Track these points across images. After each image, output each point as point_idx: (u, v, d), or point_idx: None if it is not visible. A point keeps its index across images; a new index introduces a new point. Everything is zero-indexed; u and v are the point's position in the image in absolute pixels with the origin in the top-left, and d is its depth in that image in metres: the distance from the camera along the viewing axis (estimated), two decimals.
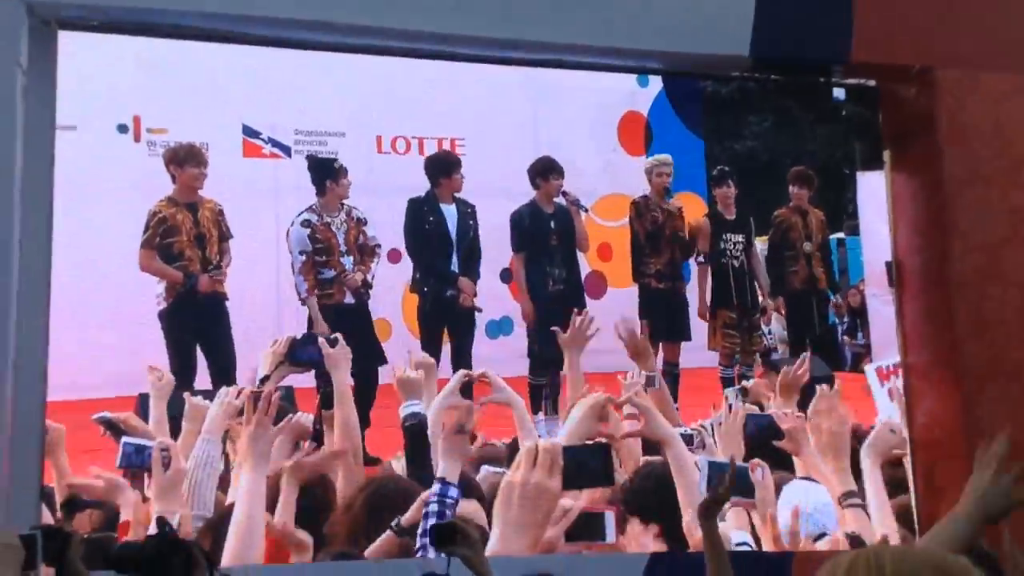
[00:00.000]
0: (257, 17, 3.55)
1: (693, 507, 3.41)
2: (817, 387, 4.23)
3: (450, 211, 7.24)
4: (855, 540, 3.53)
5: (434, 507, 3.21)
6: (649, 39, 3.86)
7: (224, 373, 6.53)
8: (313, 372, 5.15)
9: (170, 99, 8.70)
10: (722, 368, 8.16)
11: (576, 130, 9.75)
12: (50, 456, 3.83)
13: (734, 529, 3.64)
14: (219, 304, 6.82)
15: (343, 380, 4.16)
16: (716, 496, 2.69)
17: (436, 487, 3.24)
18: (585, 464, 3.08)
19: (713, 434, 4.06)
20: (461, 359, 6.97)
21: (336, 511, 3.55)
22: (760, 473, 3.58)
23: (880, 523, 3.80)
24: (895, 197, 4.27)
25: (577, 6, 3.73)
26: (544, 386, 7.20)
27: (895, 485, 4.10)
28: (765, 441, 4.08)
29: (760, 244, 8.64)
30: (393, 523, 3.36)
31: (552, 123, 9.67)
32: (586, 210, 7.83)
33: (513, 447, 4.23)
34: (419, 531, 3.23)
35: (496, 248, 7.63)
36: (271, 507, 3.49)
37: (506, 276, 8.23)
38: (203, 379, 6.54)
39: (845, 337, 11.08)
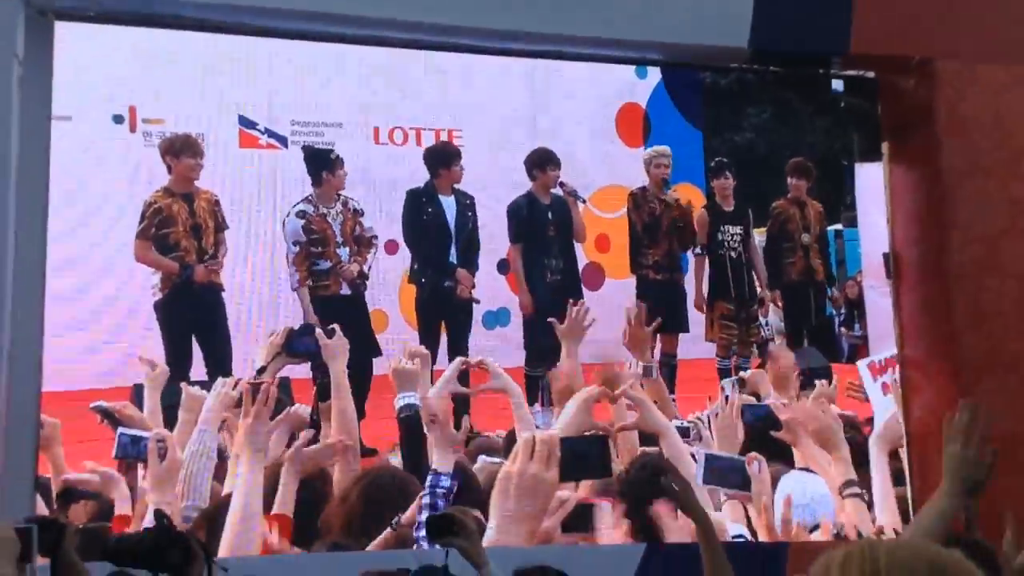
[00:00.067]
0: (255, 7, 3.54)
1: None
2: (817, 382, 4.24)
3: (449, 202, 7.23)
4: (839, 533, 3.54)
5: (427, 499, 3.21)
6: (649, 31, 3.85)
7: (220, 364, 6.51)
8: (309, 364, 5.16)
9: (166, 89, 8.67)
10: (719, 359, 8.15)
11: (574, 121, 9.73)
12: (46, 450, 3.82)
13: (730, 522, 3.64)
14: (215, 295, 6.81)
15: (340, 371, 4.16)
16: (675, 492, 2.66)
17: (429, 478, 3.24)
18: (583, 455, 3.08)
19: (710, 426, 4.07)
20: (458, 350, 6.96)
21: (332, 502, 3.55)
22: (757, 466, 3.58)
23: (884, 513, 3.81)
24: (893, 189, 4.27)
25: None
26: (540, 377, 7.20)
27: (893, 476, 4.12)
28: (763, 432, 4.09)
29: (758, 236, 8.63)
30: (393, 521, 3.36)
31: (550, 114, 9.65)
32: (584, 201, 7.82)
33: (511, 439, 4.23)
34: (409, 515, 3.24)
35: (493, 239, 7.62)
36: (269, 498, 3.49)
37: (503, 267, 8.21)
38: (198, 370, 6.53)
39: (842, 329, 11.08)
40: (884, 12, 4.03)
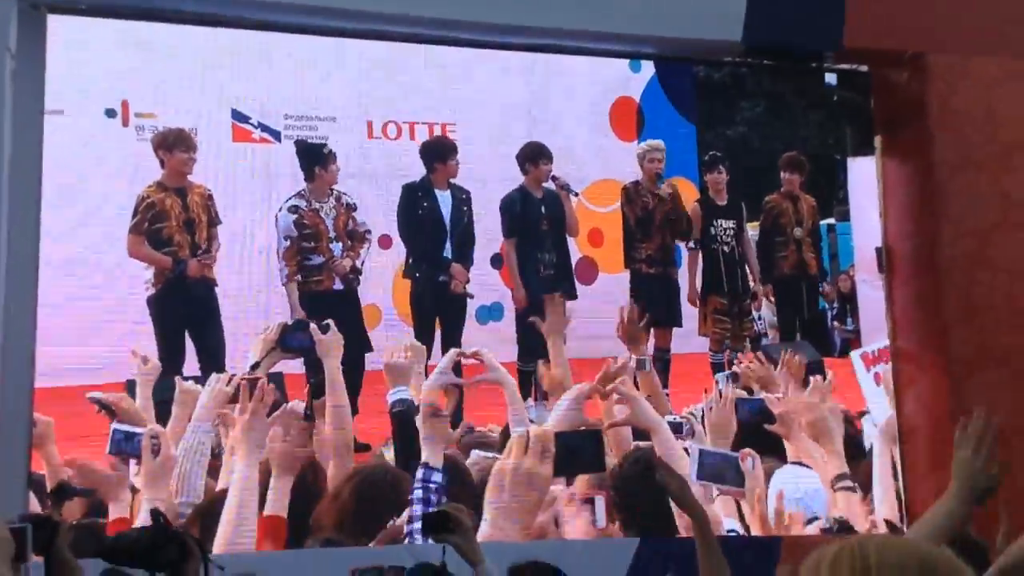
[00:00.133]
0: (249, 1, 3.54)
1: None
2: (811, 378, 4.26)
3: (444, 197, 7.23)
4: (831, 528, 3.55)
5: (418, 492, 3.21)
6: (643, 24, 3.86)
7: (213, 359, 6.50)
8: (302, 359, 5.15)
9: (159, 83, 8.61)
10: (712, 354, 8.16)
11: (568, 115, 9.70)
12: (40, 448, 3.82)
13: (723, 516, 3.65)
14: (208, 290, 6.79)
15: (334, 367, 4.16)
16: (670, 488, 2.65)
17: (420, 472, 3.24)
18: (577, 450, 3.09)
19: (703, 420, 4.07)
20: (451, 345, 6.94)
21: (324, 500, 3.55)
22: (750, 463, 3.59)
23: (884, 506, 3.83)
24: (886, 183, 4.28)
25: None
26: (533, 372, 7.20)
27: None
28: (756, 426, 4.10)
29: (751, 230, 8.63)
30: (388, 523, 3.36)
31: (544, 109, 9.62)
32: (576, 194, 7.82)
33: (507, 433, 4.24)
34: (407, 516, 3.23)
35: (486, 234, 7.61)
36: (261, 495, 3.48)
37: (497, 262, 8.21)
38: (191, 366, 6.51)
39: (835, 323, 11.09)
40: (876, 6, 4.03)
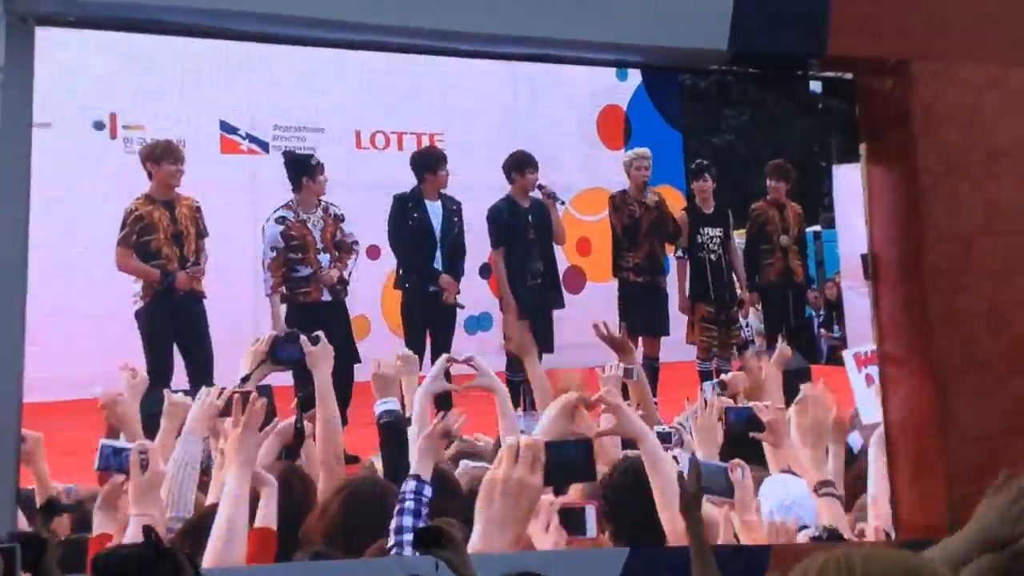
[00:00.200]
0: (236, 12, 3.54)
1: (668, 501, 3.44)
2: (802, 386, 4.27)
3: (435, 207, 7.24)
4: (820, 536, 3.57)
5: (410, 504, 3.21)
6: (629, 33, 3.87)
7: (202, 372, 6.48)
8: (291, 371, 5.14)
9: (147, 95, 8.60)
10: (700, 362, 8.18)
11: (555, 125, 9.72)
12: (29, 464, 3.81)
13: (715, 506, 3.66)
14: (196, 302, 6.78)
15: (325, 378, 4.15)
16: (687, 493, 2.68)
17: (412, 484, 3.24)
18: (567, 460, 3.10)
19: (690, 428, 4.08)
20: (441, 354, 6.96)
21: (313, 513, 3.54)
22: (740, 473, 3.60)
23: (877, 510, 3.85)
24: (871, 190, 4.30)
25: (558, 1, 3.74)
26: (522, 382, 7.20)
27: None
28: (744, 433, 4.11)
29: (738, 238, 8.66)
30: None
31: (531, 118, 9.64)
32: (563, 203, 7.84)
33: (499, 444, 4.24)
34: (393, 527, 3.23)
35: (475, 244, 7.62)
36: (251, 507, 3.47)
37: (485, 271, 8.21)
38: (180, 378, 6.49)
39: (822, 330, 11.12)
40: (861, 14, 4.06)
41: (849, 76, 4.39)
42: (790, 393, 4.63)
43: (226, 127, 9.04)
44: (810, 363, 7.57)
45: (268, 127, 9.15)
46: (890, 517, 4.03)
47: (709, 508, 3.58)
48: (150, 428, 4.25)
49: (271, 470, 3.57)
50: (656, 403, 5.95)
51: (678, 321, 8.20)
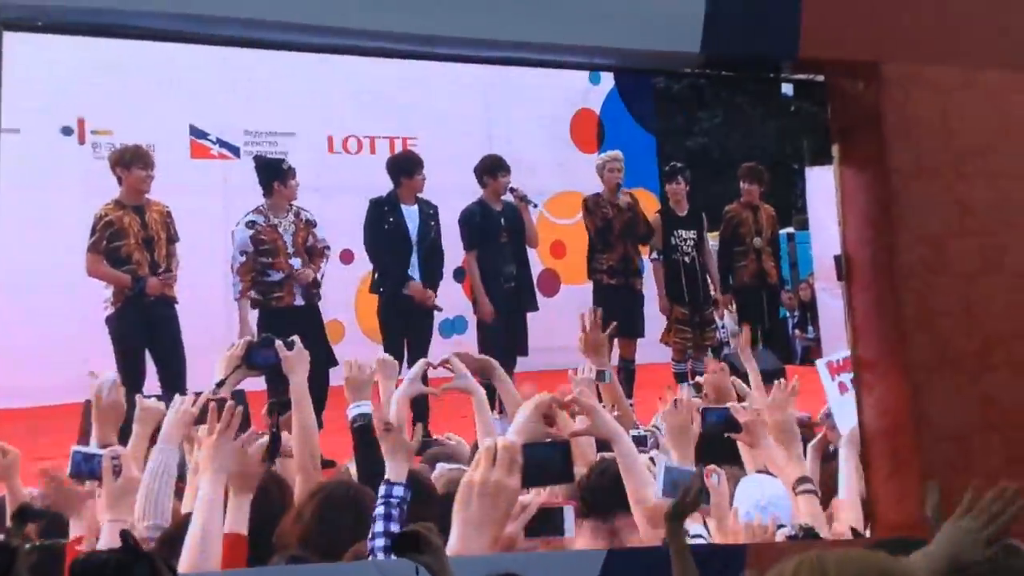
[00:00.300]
0: (205, 17, 3.51)
1: (642, 503, 3.44)
2: (775, 382, 4.29)
3: (411, 212, 7.24)
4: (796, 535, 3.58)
5: (381, 509, 3.19)
6: (602, 36, 3.88)
7: (174, 378, 6.44)
8: (264, 377, 5.10)
9: (115, 100, 8.55)
10: (675, 363, 8.22)
11: (529, 129, 9.74)
12: (4, 479, 3.77)
13: (689, 520, 3.66)
14: (168, 308, 6.74)
15: (301, 383, 4.12)
16: (683, 506, 2.69)
17: (382, 488, 3.22)
18: (545, 462, 3.09)
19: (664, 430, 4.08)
20: (419, 359, 6.95)
21: (287, 518, 3.51)
22: (716, 479, 3.60)
23: (851, 512, 3.87)
24: (844, 191, 4.32)
25: (530, 4, 3.74)
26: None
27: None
28: (718, 434, 4.12)
29: (711, 240, 8.71)
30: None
31: (504, 121, 9.66)
32: (535, 205, 7.85)
33: (476, 446, 4.23)
34: (369, 534, 3.21)
35: (448, 247, 7.62)
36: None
37: (459, 275, 8.21)
38: (151, 384, 6.44)
39: (796, 330, 11.20)
40: (832, 16, 4.08)
41: (821, 78, 4.41)
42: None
43: (196, 132, 9.00)
44: (785, 363, 7.62)
45: (239, 132, 9.12)
46: (861, 516, 4.05)
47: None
48: (123, 434, 4.20)
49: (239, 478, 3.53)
50: (632, 405, 5.96)
51: (653, 323, 8.23)
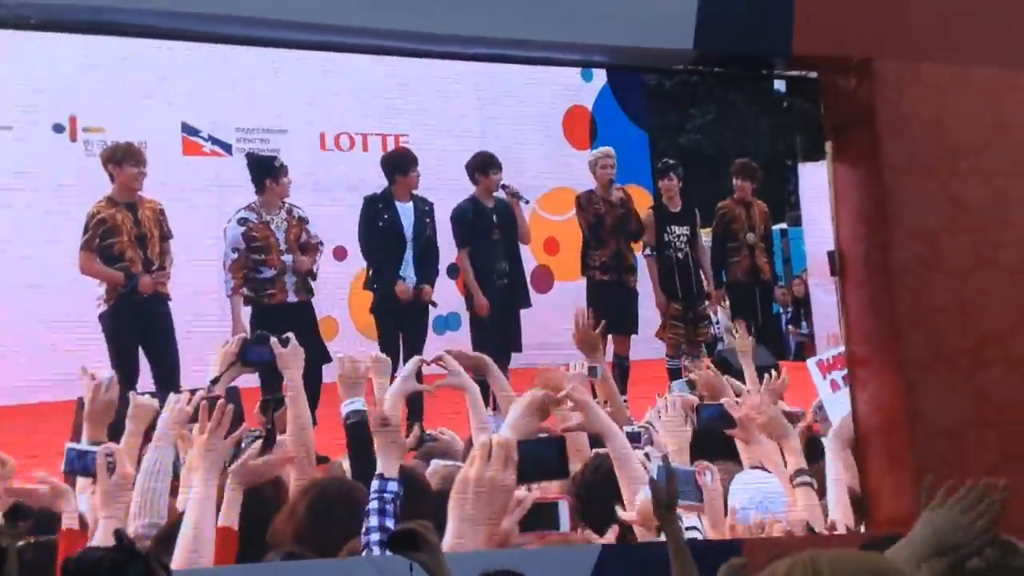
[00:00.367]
0: (197, 14, 3.51)
1: (635, 498, 3.45)
2: (764, 375, 4.30)
3: (406, 209, 7.24)
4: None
5: (374, 504, 3.19)
6: (594, 33, 3.88)
7: (167, 375, 6.42)
8: (257, 373, 5.09)
9: (107, 97, 8.51)
10: (669, 359, 8.22)
11: (522, 125, 9.73)
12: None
13: (683, 512, 3.66)
14: (161, 305, 6.72)
15: (296, 379, 4.12)
16: (664, 502, 2.69)
17: (375, 484, 3.22)
18: (540, 458, 3.09)
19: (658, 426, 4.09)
20: (413, 355, 6.95)
21: (280, 515, 3.51)
22: (709, 477, 3.60)
23: (837, 506, 3.87)
24: (837, 187, 4.34)
25: (525, 2, 3.74)
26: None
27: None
28: (714, 430, 4.12)
29: (705, 236, 8.71)
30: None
31: (497, 119, 9.64)
32: (527, 202, 7.85)
33: (471, 443, 4.23)
34: (362, 529, 3.21)
35: (442, 245, 7.62)
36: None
37: (453, 271, 8.21)
38: (145, 381, 6.43)
39: (789, 327, 11.21)
40: (825, 13, 4.09)
41: (814, 75, 4.42)
42: None
43: (188, 129, 8.96)
44: (778, 359, 7.63)
45: (230, 129, 9.08)
46: (849, 511, 4.06)
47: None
48: (116, 431, 4.19)
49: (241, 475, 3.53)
50: (626, 401, 5.97)
51: (647, 319, 8.23)
